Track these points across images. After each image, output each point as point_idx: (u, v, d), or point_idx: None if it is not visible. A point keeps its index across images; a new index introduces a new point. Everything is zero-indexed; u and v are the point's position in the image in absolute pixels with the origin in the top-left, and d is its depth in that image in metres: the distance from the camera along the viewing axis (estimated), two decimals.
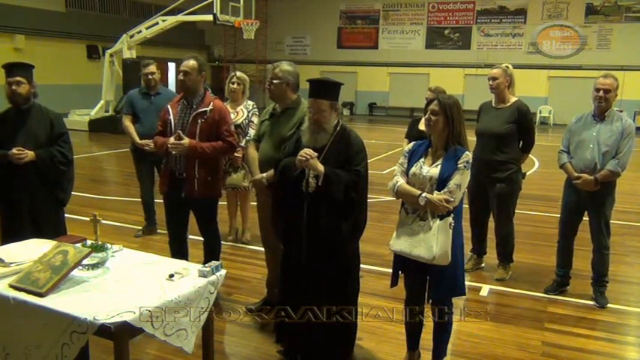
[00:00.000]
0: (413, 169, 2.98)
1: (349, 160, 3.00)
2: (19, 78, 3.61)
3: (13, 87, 3.60)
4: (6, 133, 3.65)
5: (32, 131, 3.69)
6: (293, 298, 3.12)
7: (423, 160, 2.99)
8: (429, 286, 3.08)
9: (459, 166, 2.85)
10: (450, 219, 2.86)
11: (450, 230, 2.86)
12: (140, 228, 5.81)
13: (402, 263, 3.07)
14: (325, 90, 3.02)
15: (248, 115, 5.28)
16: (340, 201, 2.95)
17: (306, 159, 2.91)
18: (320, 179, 2.93)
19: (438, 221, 2.85)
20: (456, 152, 2.89)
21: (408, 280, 3.17)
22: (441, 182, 2.86)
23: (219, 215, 4.14)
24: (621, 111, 4.15)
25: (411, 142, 3.25)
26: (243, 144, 5.23)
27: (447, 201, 2.80)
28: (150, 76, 5.44)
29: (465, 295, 3.16)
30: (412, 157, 3.04)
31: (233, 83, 5.27)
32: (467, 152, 2.90)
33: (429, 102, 3.00)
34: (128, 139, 5.56)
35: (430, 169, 2.92)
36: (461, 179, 2.84)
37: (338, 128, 3.06)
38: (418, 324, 3.20)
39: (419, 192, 2.88)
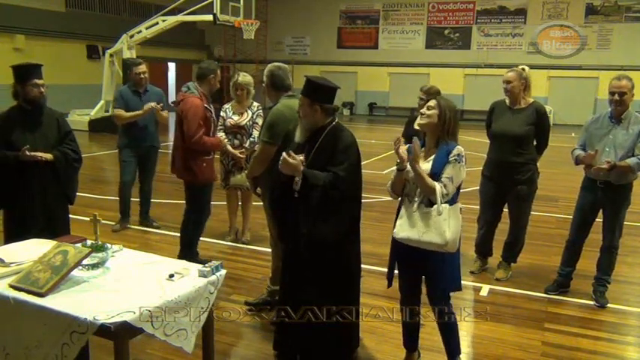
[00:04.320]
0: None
1: (332, 159, 2.97)
2: (42, 80, 3.66)
3: (42, 89, 3.64)
4: (17, 134, 3.62)
5: (43, 131, 3.70)
6: (293, 298, 3.11)
7: None
8: (425, 284, 3.08)
9: (450, 159, 2.85)
10: (459, 204, 2.86)
11: (461, 216, 2.85)
12: (116, 222, 5.97)
13: (397, 262, 3.08)
14: (306, 88, 3.02)
15: (252, 117, 5.34)
16: (320, 203, 2.91)
17: (285, 164, 2.90)
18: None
19: (448, 206, 2.83)
20: (447, 147, 2.90)
21: (401, 280, 3.16)
22: (434, 176, 2.86)
23: (219, 215, 4.15)
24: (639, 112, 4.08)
25: (406, 140, 3.25)
26: (247, 145, 5.27)
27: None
28: (142, 75, 5.76)
29: (461, 289, 3.12)
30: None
31: (237, 89, 5.33)
32: (458, 146, 2.89)
33: (427, 101, 3.03)
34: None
35: (423, 164, 2.93)
36: (452, 172, 2.83)
37: (329, 128, 3.04)
38: (415, 325, 3.20)
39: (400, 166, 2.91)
